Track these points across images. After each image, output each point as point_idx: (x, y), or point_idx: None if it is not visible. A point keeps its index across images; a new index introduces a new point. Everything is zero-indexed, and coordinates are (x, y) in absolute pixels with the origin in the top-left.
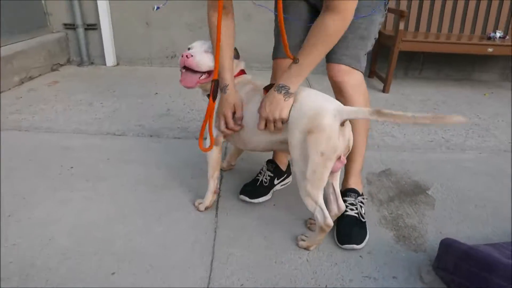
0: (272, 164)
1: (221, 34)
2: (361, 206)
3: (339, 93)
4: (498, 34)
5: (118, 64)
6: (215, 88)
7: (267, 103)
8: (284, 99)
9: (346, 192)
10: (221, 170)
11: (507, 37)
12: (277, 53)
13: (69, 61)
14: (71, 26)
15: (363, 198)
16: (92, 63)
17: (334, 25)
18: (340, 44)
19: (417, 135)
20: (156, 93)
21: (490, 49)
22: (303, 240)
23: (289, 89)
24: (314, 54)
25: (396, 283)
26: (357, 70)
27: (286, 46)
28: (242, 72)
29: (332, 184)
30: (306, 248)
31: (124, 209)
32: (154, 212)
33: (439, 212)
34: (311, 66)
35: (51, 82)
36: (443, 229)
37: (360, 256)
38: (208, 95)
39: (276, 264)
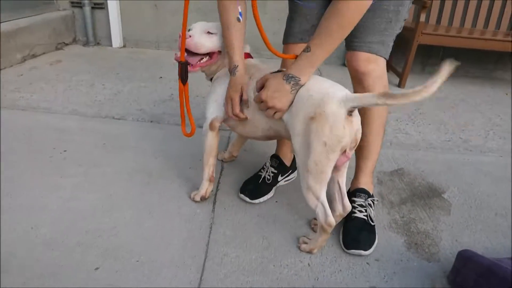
0: (276, 159)
1: (230, 16)
2: (371, 208)
3: (359, 83)
4: None
5: (124, 46)
6: (183, 70)
7: (271, 88)
8: (291, 91)
9: (355, 192)
10: (222, 161)
11: None
12: (287, 38)
13: (75, 41)
14: (77, 4)
15: (374, 200)
16: (98, 44)
17: (349, 11)
18: (366, 30)
19: (433, 134)
20: (161, 77)
21: None
22: (305, 242)
23: (299, 80)
24: (328, 43)
25: None
26: (384, 58)
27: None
28: (247, 55)
29: (338, 181)
30: (309, 252)
31: (115, 199)
32: (146, 204)
33: (455, 219)
34: (323, 56)
35: (54, 61)
36: (460, 238)
37: (367, 263)
38: (211, 79)
39: (275, 268)
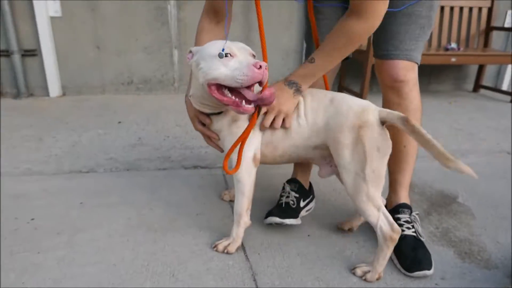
0: (295, 183)
1: (205, 39)
2: (417, 224)
3: (396, 92)
4: (454, 45)
5: (64, 94)
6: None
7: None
8: (294, 95)
9: (397, 208)
10: (231, 201)
11: (461, 48)
12: None
13: (1, 94)
14: (4, 53)
15: (417, 214)
16: (31, 95)
17: (358, 29)
18: (402, 37)
19: None
20: (120, 122)
21: (453, 59)
22: (364, 271)
23: (300, 87)
24: (332, 57)
25: None
26: (417, 64)
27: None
28: None
29: None
30: (374, 279)
31: (122, 268)
32: (165, 266)
33: (482, 220)
34: (326, 68)
35: None
36: (499, 239)
37: (436, 284)
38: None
39: None
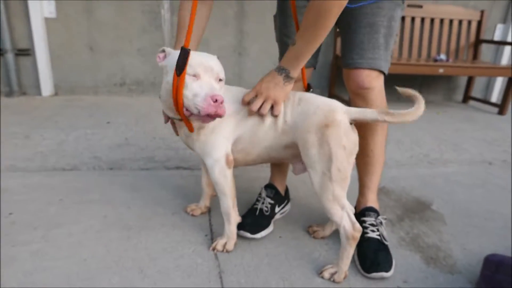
0: (271, 189)
1: (186, 19)
2: (382, 227)
3: (362, 98)
4: (443, 57)
5: (56, 94)
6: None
7: (265, 80)
8: (284, 83)
9: (364, 211)
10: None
11: (450, 59)
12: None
13: None
14: None
15: (384, 218)
16: (24, 93)
17: (325, 4)
18: (366, 46)
19: (396, 152)
20: (108, 122)
21: (441, 70)
22: (329, 272)
23: (289, 72)
24: (308, 35)
25: None
26: (384, 73)
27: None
28: None
29: None
30: (337, 279)
31: (92, 262)
32: (134, 262)
33: (453, 228)
34: (307, 48)
35: None
36: (466, 245)
37: (398, 287)
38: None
39: None
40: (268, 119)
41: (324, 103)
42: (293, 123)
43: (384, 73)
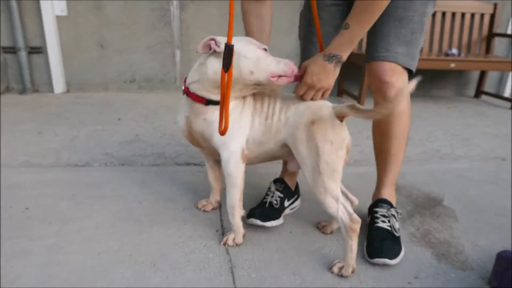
0: (280, 183)
1: (254, 24)
2: (394, 219)
3: (381, 94)
4: (455, 51)
5: (68, 91)
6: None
7: (315, 72)
8: (335, 69)
9: (377, 202)
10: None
11: (462, 54)
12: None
13: (8, 89)
14: (10, 50)
15: (397, 212)
16: (36, 91)
17: None
18: (392, 40)
19: (406, 148)
20: (119, 119)
21: (452, 64)
22: (336, 266)
23: (341, 57)
24: (365, 18)
25: None
26: (409, 71)
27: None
28: None
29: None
30: (345, 273)
31: (106, 257)
32: (146, 257)
33: (464, 224)
34: (363, 30)
35: None
36: (478, 241)
37: (409, 283)
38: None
39: None
40: (268, 119)
41: (313, 102)
42: (286, 122)
43: (410, 71)
